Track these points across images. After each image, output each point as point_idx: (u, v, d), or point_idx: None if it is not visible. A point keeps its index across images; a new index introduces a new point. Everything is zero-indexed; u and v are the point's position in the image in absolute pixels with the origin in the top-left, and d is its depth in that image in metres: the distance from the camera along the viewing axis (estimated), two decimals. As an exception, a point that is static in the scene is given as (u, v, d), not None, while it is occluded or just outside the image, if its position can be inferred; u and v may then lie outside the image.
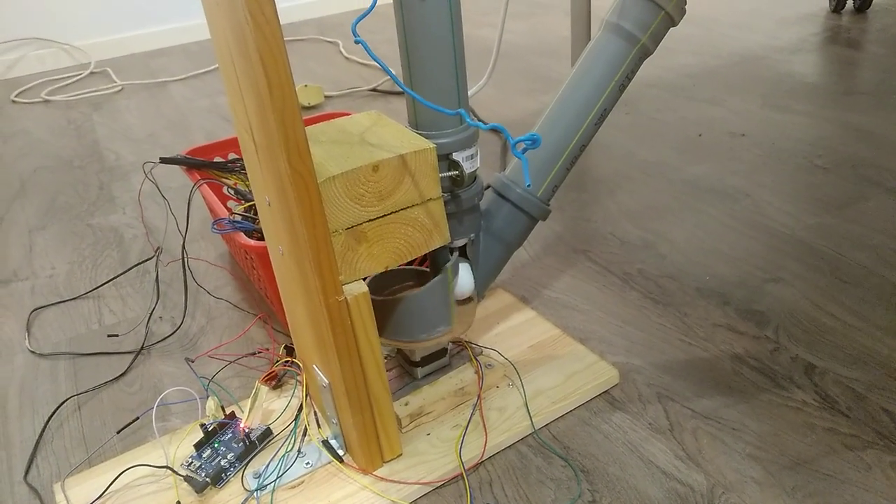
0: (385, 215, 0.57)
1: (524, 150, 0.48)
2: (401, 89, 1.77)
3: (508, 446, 0.65)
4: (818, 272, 0.86)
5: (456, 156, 0.61)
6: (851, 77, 1.46)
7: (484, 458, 0.64)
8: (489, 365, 0.72)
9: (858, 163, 1.10)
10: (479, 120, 0.66)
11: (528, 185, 0.56)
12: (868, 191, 1.02)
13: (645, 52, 0.69)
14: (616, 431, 0.66)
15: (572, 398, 0.69)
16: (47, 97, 1.90)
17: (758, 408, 0.67)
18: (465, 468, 0.62)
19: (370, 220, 0.56)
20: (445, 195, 0.61)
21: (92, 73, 2.10)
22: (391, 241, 0.58)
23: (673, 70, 1.60)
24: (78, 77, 2.07)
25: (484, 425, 0.66)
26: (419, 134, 0.60)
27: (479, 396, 0.69)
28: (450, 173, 0.61)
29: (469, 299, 0.67)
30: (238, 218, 0.82)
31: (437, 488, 0.62)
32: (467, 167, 0.62)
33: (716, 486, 0.60)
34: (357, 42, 0.50)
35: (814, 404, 0.67)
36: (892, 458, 0.60)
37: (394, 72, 0.55)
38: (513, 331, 0.79)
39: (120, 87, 1.94)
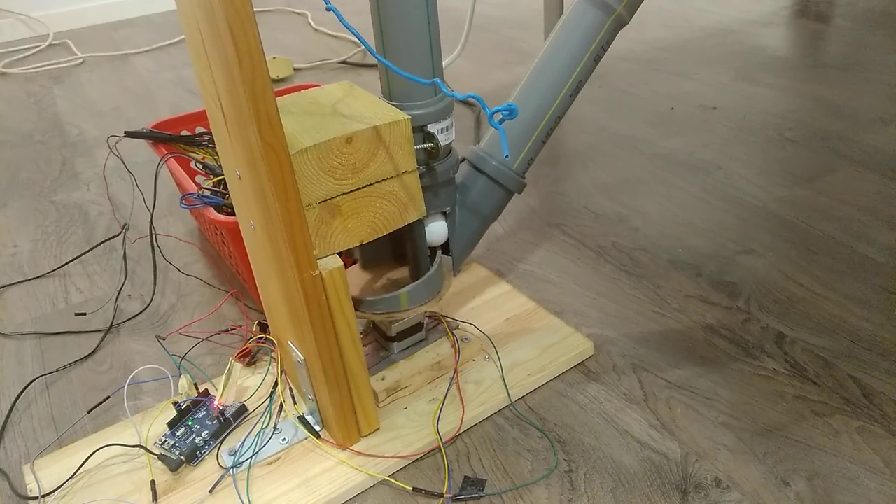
0: (359, 188, 0.56)
1: (501, 121, 0.47)
2: (372, 62, 1.73)
3: (485, 419, 0.66)
4: (789, 243, 0.87)
5: (431, 127, 0.60)
6: (820, 50, 1.47)
7: (461, 431, 0.64)
8: (465, 339, 0.72)
9: (827, 135, 1.12)
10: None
11: (506, 156, 0.56)
12: (837, 163, 1.04)
13: (620, 22, 0.68)
14: (591, 402, 0.67)
15: (548, 370, 0.69)
16: (4, 69, 1.83)
17: (730, 377, 0.68)
18: (443, 441, 0.62)
19: (344, 194, 0.55)
20: (421, 168, 0.60)
21: (51, 44, 2.03)
22: (366, 215, 0.57)
23: (645, 43, 1.60)
24: (37, 49, 2.00)
25: (461, 398, 0.66)
26: (393, 105, 0.59)
27: (455, 370, 0.69)
28: (425, 145, 0.60)
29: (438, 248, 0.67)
30: (207, 193, 0.80)
31: (414, 461, 0.62)
32: (442, 139, 0.61)
33: (689, 453, 0.61)
34: (329, 9, 0.49)
35: (784, 373, 0.68)
36: (858, 423, 0.62)
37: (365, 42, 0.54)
38: (488, 305, 0.79)
39: (81, 60, 1.88)
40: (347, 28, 0.50)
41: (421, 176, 0.60)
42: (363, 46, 1.75)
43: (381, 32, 0.58)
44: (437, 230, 0.65)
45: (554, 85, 0.68)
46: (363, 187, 0.56)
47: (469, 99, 0.47)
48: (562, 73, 0.68)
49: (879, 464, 0.58)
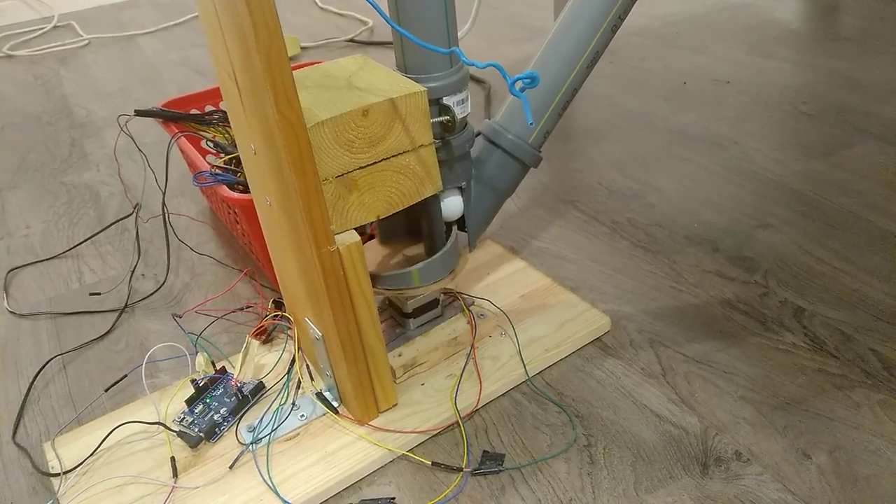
0: (376, 162, 0.55)
1: (522, 90, 0.46)
2: (379, 40, 1.71)
3: (503, 394, 0.65)
4: (806, 217, 0.86)
5: (447, 100, 0.59)
6: (835, 23, 1.45)
7: (479, 406, 0.64)
8: (482, 315, 0.72)
9: (844, 109, 1.10)
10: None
11: (531, 123, 0.55)
12: (854, 137, 1.02)
13: (638, -8, 0.67)
14: (609, 377, 0.66)
15: (565, 346, 0.69)
16: (10, 52, 1.82)
17: (749, 351, 0.68)
18: (461, 416, 0.62)
19: (361, 168, 0.54)
20: (436, 142, 0.59)
21: (56, 26, 2.02)
22: (382, 190, 0.56)
23: (657, 18, 1.57)
24: (41, 31, 1.98)
25: (478, 374, 0.66)
26: (408, 78, 0.58)
27: (472, 346, 0.69)
28: (441, 119, 0.59)
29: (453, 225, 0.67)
30: (219, 171, 0.79)
31: (433, 436, 0.62)
32: (458, 112, 0.60)
33: (709, 427, 0.60)
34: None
35: (803, 346, 0.67)
36: (879, 396, 0.62)
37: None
38: (504, 281, 0.78)
39: (87, 41, 1.87)
40: (363, -2, 0.49)
41: (437, 150, 0.59)
42: (370, 24, 1.73)
43: (395, 4, 0.57)
44: (452, 205, 0.64)
45: (571, 56, 0.67)
46: (379, 161, 0.55)
47: (488, 68, 0.47)
48: (579, 43, 0.67)
49: (902, 436, 0.58)
